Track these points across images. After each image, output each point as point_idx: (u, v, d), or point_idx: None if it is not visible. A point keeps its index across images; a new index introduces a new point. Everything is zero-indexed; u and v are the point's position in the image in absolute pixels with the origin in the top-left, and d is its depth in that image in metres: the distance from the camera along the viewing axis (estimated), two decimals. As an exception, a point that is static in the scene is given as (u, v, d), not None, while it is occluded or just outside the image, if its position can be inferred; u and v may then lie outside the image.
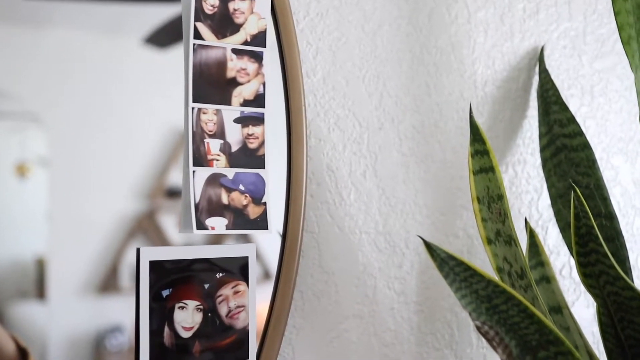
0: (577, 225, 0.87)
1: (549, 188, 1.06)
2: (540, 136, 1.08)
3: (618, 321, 0.88)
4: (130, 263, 0.86)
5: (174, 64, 0.84)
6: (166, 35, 0.88)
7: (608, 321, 0.89)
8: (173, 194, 0.90)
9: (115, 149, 0.87)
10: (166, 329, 0.77)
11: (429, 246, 0.74)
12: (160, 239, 0.90)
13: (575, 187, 0.87)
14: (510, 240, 0.89)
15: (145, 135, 0.89)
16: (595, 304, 1.15)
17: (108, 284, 0.87)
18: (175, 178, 0.89)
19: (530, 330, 0.75)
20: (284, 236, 0.86)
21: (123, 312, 0.87)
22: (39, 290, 0.83)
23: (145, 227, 0.89)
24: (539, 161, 1.11)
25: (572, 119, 1.04)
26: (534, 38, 1.11)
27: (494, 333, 0.75)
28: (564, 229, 1.04)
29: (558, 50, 1.14)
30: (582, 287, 1.15)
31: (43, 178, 0.84)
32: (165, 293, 0.77)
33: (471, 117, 0.90)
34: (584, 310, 1.14)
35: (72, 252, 0.84)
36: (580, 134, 1.03)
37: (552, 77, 1.08)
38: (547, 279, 1.02)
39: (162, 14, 0.87)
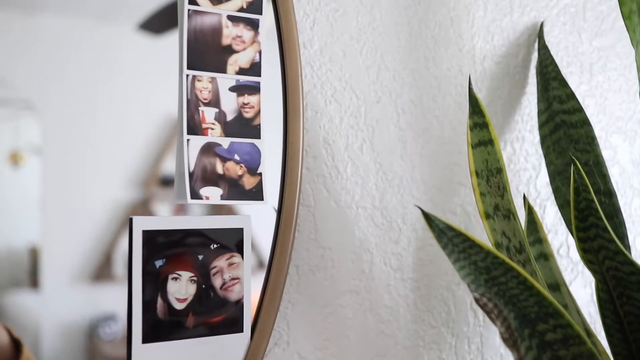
0: (577, 200, 0.86)
1: (548, 165, 1.05)
2: (539, 113, 1.07)
3: (617, 297, 0.87)
4: (124, 251, 0.85)
5: (169, 50, 0.83)
6: (161, 22, 0.86)
7: (607, 297, 0.88)
8: (167, 182, 0.89)
9: (110, 136, 0.86)
10: (159, 300, 0.75)
11: (427, 217, 0.73)
12: None
13: (575, 160, 0.86)
14: (509, 214, 0.87)
15: (140, 123, 0.88)
16: (592, 283, 1.14)
17: (102, 272, 0.86)
18: (169, 167, 0.88)
19: (529, 303, 0.74)
20: (279, 209, 0.84)
21: (117, 301, 0.86)
22: (33, 279, 0.82)
23: (139, 215, 0.87)
24: (537, 138, 1.09)
25: (571, 95, 1.02)
26: (533, 13, 1.10)
27: (493, 305, 0.74)
28: (562, 206, 1.02)
29: (557, 26, 1.13)
30: (580, 267, 1.14)
31: (36, 166, 0.83)
32: (158, 263, 0.75)
33: (470, 89, 0.88)
34: (581, 290, 1.14)
35: (66, 241, 0.83)
36: (580, 110, 1.02)
37: (551, 54, 1.06)
38: (545, 256, 1.01)
39: (157, 0, 0.85)
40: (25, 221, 0.83)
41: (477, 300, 0.75)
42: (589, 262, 0.88)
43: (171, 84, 0.82)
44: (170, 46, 0.82)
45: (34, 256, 0.83)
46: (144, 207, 0.88)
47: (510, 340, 0.75)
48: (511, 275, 0.74)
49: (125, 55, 0.87)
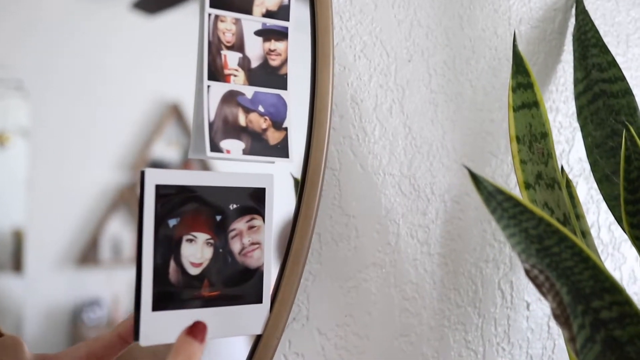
0: (628, 170, 0.79)
1: (585, 137, 0.98)
2: (576, 82, 1.00)
3: (667, 277, 0.80)
4: (111, 235, 0.82)
5: (163, 31, 0.80)
6: (155, 1, 0.80)
7: (654, 277, 0.81)
8: (157, 166, 0.84)
9: (99, 118, 0.82)
10: (172, 263, 0.67)
11: (475, 177, 0.66)
12: None
13: (629, 126, 0.79)
14: (554, 183, 0.80)
15: (131, 106, 0.84)
16: (624, 265, 1.08)
17: (87, 256, 0.81)
18: (159, 151, 0.84)
19: (584, 276, 0.67)
20: (304, 169, 0.76)
21: (102, 286, 0.82)
22: (16, 262, 0.78)
23: (127, 199, 0.83)
24: (572, 110, 1.02)
25: (613, 62, 0.95)
26: (572, -24, 1.03)
27: (544, 278, 0.66)
28: (600, 180, 0.95)
29: (595, -8, 1.06)
30: (610, 249, 1.07)
31: (23, 148, 0.78)
32: (172, 223, 0.67)
33: (515, 45, 0.81)
34: (610, 272, 1.07)
35: (51, 224, 0.79)
36: (622, 78, 0.95)
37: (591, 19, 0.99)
38: (583, 234, 0.94)
39: None
40: (9, 203, 0.78)
41: (527, 272, 0.68)
42: (637, 239, 0.81)
43: (163, 66, 0.79)
44: (165, 27, 0.79)
45: (17, 239, 0.78)
46: (132, 190, 0.83)
47: (562, 317, 0.67)
48: (565, 245, 0.67)
49: (119, 35, 0.82)
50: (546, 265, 0.67)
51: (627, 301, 0.67)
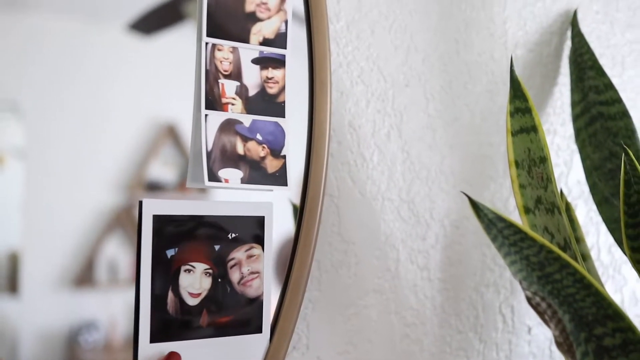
0: (627, 193, 0.79)
1: (583, 160, 0.97)
2: (573, 104, 1.00)
3: (668, 300, 0.79)
4: (107, 257, 0.81)
5: (159, 52, 0.80)
6: (152, 22, 0.81)
7: (656, 301, 0.81)
8: (153, 187, 0.84)
9: (95, 140, 0.81)
10: (170, 294, 0.67)
11: (475, 205, 0.65)
12: None
13: (628, 149, 0.79)
14: (554, 208, 0.80)
15: (126, 127, 0.83)
16: (625, 287, 1.07)
17: (83, 278, 0.80)
18: (155, 172, 0.83)
19: (587, 303, 0.67)
20: (303, 197, 0.76)
21: (99, 308, 0.81)
22: (11, 284, 0.77)
23: (124, 220, 0.82)
24: (570, 132, 1.02)
25: (609, 85, 0.96)
26: (566, 0, 1.03)
27: (546, 305, 0.66)
28: (600, 203, 0.95)
29: (590, 15, 1.06)
30: (610, 272, 1.07)
31: (18, 169, 0.77)
32: (170, 253, 0.67)
33: (512, 71, 0.81)
34: (611, 295, 1.06)
35: (47, 245, 0.78)
36: (619, 101, 0.95)
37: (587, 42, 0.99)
38: (584, 257, 0.93)
39: (148, 0, 0.80)
40: (4, 225, 0.77)
41: (529, 300, 0.67)
42: (637, 262, 0.80)
43: (159, 87, 0.79)
44: (161, 47, 0.78)
45: (13, 261, 0.77)
46: (128, 212, 0.82)
47: (564, 345, 0.67)
48: (567, 272, 0.66)
49: (113, 55, 0.82)
50: (548, 293, 0.66)
51: (630, 328, 0.67)
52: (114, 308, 0.82)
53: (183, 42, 0.81)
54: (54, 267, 0.77)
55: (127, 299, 0.82)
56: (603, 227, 1.05)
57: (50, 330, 0.77)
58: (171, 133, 0.85)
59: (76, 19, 0.79)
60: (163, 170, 0.85)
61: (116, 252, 0.83)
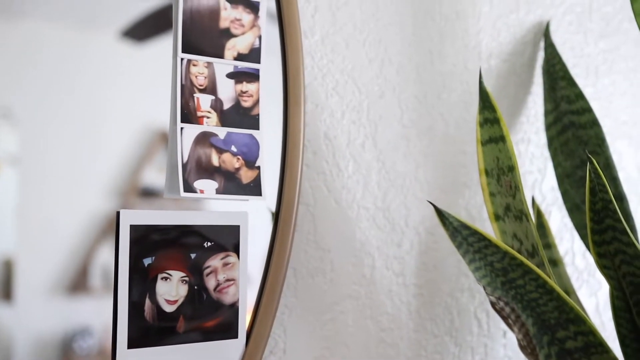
0: (593, 201, 0.81)
1: (555, 167, 1.00)
2: (546, 113, 1.03)
3: (634, 304, 0.82)
4: (102, 263, 0.82)
5: (152, 58, 0.81)
6: (145, 29, 0.83)
7: (622, 305, 0.83)
8: (147, 193, 0.85)
9: (89, 146, 0.82)
10: (147, 301, 0.69)
11: (440, 213, 0.68)
12: None
13: (592, 159, 0.81)
14: (522, 215, 0.82)
15: (120, 133, 0.84)
16: (600, 291, 1.10)
17: (78, 284, 0.81)
18: (149, 177, 0.84)
19: (549, 308, 0.69)
20: (278, 206, 0.78)
21: (93, 314, 0.82)
22: (5, 291, 0.77)
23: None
24: (543, 140, 1.05)
25: (580, 95, 0.98)
26: (539, 11, 1.06)
27: (510, 310, 0.68)
28: (571, 210, 0.98)
29: (563, 26, 1.09)
30: (585, 276, 1.09)
31: (13, 176, 0.78)
32: (147, 262, 0.69)
33: (481, 82, 0.83)
34: (586, 299, 1.09)
35: (41, 252, 0.79)
36: (589, 110, 0.98)
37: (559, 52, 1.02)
38: (554, 262, 0.96)
39: (141, 6, 0.82)
40: None
41: (493, 305, 0.70)
42: (604, 268, 0.83)
43: (152, 93, 0.79)
44: (153, 53, 0.79)
45: (7, 267, 0.77)
46: None
47: (528, 348, 0.69)
48: (530, 277, 0.69)
49: (107, 62, 0.83)
50: (512, 298, 0.69)
51: (591, 331, 0.69)
52: (108, 314, 0.82)
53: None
54: (48, 273, 0.78)
55: None
56: (577, 233, 1.07)
57: (45, 336, 0.78)
58: (165, 139, 0.86)
59: (70, 26, 0.81)
60: (157, 176, 0.87)
61: (110, 258, 0.84)
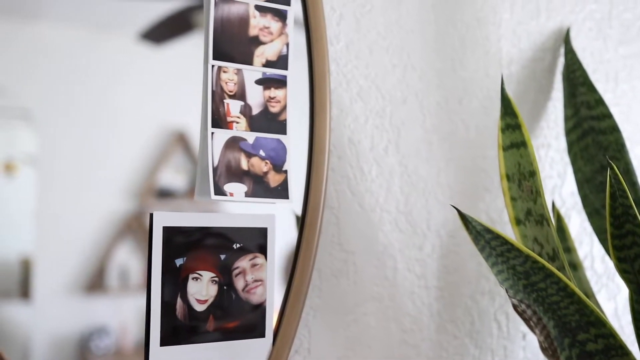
0: (613, 206, 0.82)
1: (575, 172, 1.01)
2: (566, 119, 1.04)
3: (654, 308, 0.83)
4: (118, 263, 0.84)
5: (169, 60, 0.82)
6: (163, 31, 0.84)
7: (642, 308, 0.84)
8: (163, 194, 0.86)
9: (106, 147, 0.84)
10: (179, 300, 0.71)
11: (464, 217, 0.69)
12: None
13: (613, 164, 0.82)
14: (543, 219, 0.84)
15: (137, 134, 0.85)
16: (619, 295, 1.11)
17: (95, 284, 0.83)
18: (166, 178, 0.85)
19: (570, 311, 0.70)
20: (304, 209, 0.80)
21: (109, 314, 0.84)
22: (24, 290, 0.79)
23: (134, 227, 0.85)
24: (563, 145, 1.06)
25: (600, 101, 1.00)
26: (559, 18, 1.07)
27: (532, 312, 0.70)
28: (590, 214, 0.99)
29: (583, 32, 1.10)
30: (604, 280, 1.10)
31: (31, 176, 0.80)
32: (178, 262, 0.71)
33: (503, 89, 0.85)
34: (605, 303, 1.10)
35: (59, 252, 0.81)
36: (609, 116, 0.99)
37: (579, 59, 1.03)
38: (574, 266, 0.97)
39: (159, 9, 0.83)
40: (17, 231, 0.80)
41: (515, 307, 0.71)
42: (623, 272, 0.84)
43: (170, 95, 0.81)
44: (171, 56, 0.80)
45: (25, 267, 0.79)
46: (138, 219, 0.85)
47: (549, 350, 0.71)
48: (551, 281, 0.70)
49: (125, 64, 0.85)
50: (533, 300, 0.70)
51: (611, 334, 0.71)
52: (124, 314, 0.84)
53: (193, 51, 0.85)
54: (65, 273, 0.80)
55: (138, 304, 0.85)
56: (596, 237, 1.08)
57: (62, 335, 0.80)
58: (181, 140, 0.88)
59: (88, 28, 0.82)
60: (173, 177, 0.88)
61: (127, 259, 0.86)
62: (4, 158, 0.79)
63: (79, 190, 0.81)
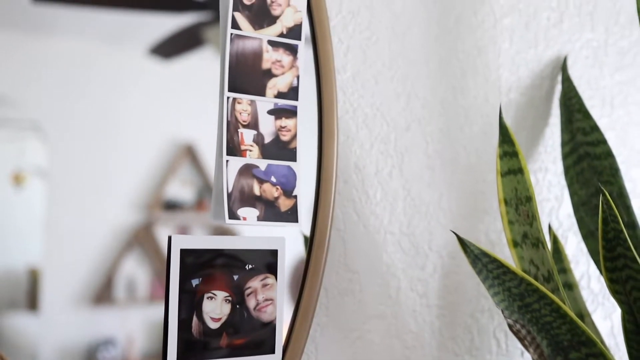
0: (605, 230, 0.87)
1: (571, 196, 1.06)
2: (563, 144, 1.08)
3: (644, 328, 0.87)
4: (126, 275, 0.85)
5: (177, 75, 0.84)
6: (171, 46, 0.87)
7: (633, 328, 0.88)
8: (171, 206, 0.89)
9: (115, 159, 0.86)
10: (194, 319, 0.76)
11: (462, 242, 0.74)
12: (157, 251, 0.89)
13: (605, 190, 0.87)
14: (538, 242, 0.88)
15: (145, 147, 0.87)
16: (613, 315, 1.15)
17: (102, 295, 0.85)
18: (173, 191, 0.88)
19: (562, 330, 0.75)
20: (312, 231, 0.85)
21: (117, 325, 0.85)
22: (31, 301, 0.81)
23: (142, 239, 0.88)
24: (560, 169, 1.11)
25: (595, 127, 1.04)
26: (557, 47, 1.12)
27: (526, 332, 0.74)
28: (586, 236, 1.03)
29: (580, 60, 1.15)
30: (600, 299, 1.15)
31: (39, 187, 0.82)
32: (195, 282, 0.76)
33: (501, 118, 0.90)
34: (601, 321, 1.14)
35: (67, 263, 0.82)
36: (604, 142, 1.03)
37: (575, 86, 1.08)
38: (570, 286, 1.02)
39: (168, 25, 0.86)
40: (25, 242, 0.82)
41: (510, 327, 0.76)
42: (615, 293, 0.88)
43: (178, 109, 0.82)
44: (179, 71, 0.83)
45: (33, 278, 0.81)
46: (146, 230, 0.88)
47: (543, 368, 0.75)
48: (544, 302, 0.75)
49: (134, 78, 0.87)
50: (527, 321, 0.75)
51: (601, 353, 0.75)
52: (131, 325, 0.86)
53: (201, 66, 0.88)
54: (73, 284, 0.81)
55: (145, 316, 0.88)
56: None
57: (69, 346, 0.82)
58: (189, 153, 0.92)
59: (98, 41, 0.84)
60: (181, 189, 0.91)
61: (135, 270, 0.87)
62: (13, 169, 0.80)
63: (86, 202, 0.83)
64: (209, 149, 0.81)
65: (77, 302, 0.82)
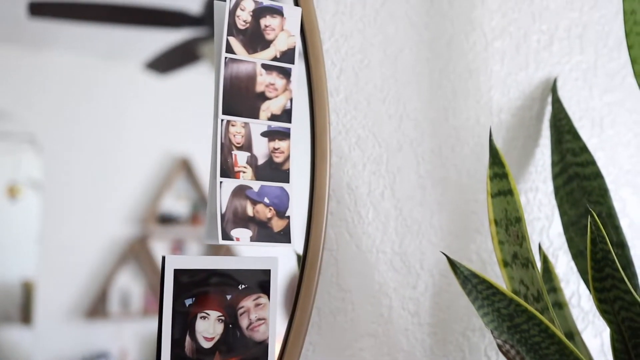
0: (594, 251, 0.88)
1: (561, 216, 1.07)
2: (553, 164, 1.10)
3: (632, 347, 0.88)
4: (120, 288, 0.86)
5: (173, 90, 0.86)
6: (167, 62, 0.88)
7: (622, 347, 0.90)
8: (165, 220, 0.89)
9: (110, 173, 0.87)
10: (187, 338, 0.77)
11: (452, 263, 0.75)
12: (152, 265, 0.90)
13: (593, 212, 0.88)
14: (528, 262, 0.90)
15: (141, 160, 0.88)
16: (603, 333, 1.16)
17: (96, 309, 0.85)
18: (168, 205, 0.88)
19: (551, 351, 0.76)
20: (304, 252, 0.86)
21: (110, 339, 0.86)
22: (25, 314, 0.81)
23: (137, 252, 0.88)
24: (550, 189, 1.12)
25: (584, 148, 1.06)
26: (547, 69, 1.14)
27: (515, 352, 0.75)
28: (575, 256, 1.05)
29: (570, 82, 1.17)
30: (590, 317, 1.16)
31: (34, 200, 0.82)
32: (188, 302, 0.77)
33: (491, 140, 0.91)
34: (591, 340, 1.15)
35: (61, 276, 0.83)
36: (593, 163, 1.05)
37: (564, 108, 1.10)
38: (560, 305, 1.03)
39: (163, 40, 0.87)
40: (19, 255, 0.82)
41: (500, 347, 0.77)
42: (604, 312, 0.89)
43: (173, 123, 0.83)
44: (174, 86, 0.84)
45: (27, 291, 0.81)
46: (141, 244, 0.88)
47: (531, 387, 0.76)
48: (533, 322, 0.76)
49: (130, 93, 0.87)
50: (517, 341, 0.76)
51: (589, 372, 0.76)
52: (125, 339, 0.86)
53: (196, 80, 0.88)
54: (67, 297, 0.82)
55: (138, 330, 0.88)
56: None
57: None
58: (184, 167, 0.92)
59: (95, 56, 0.85)
60: (175, 203, 0.92)
61: (129, 284, 0.87)
62: (8, 181, 0.81)
63: (81, 215, 0.84)
64: (204, 163, 0.82)
65: (71, 316, 0.82)
